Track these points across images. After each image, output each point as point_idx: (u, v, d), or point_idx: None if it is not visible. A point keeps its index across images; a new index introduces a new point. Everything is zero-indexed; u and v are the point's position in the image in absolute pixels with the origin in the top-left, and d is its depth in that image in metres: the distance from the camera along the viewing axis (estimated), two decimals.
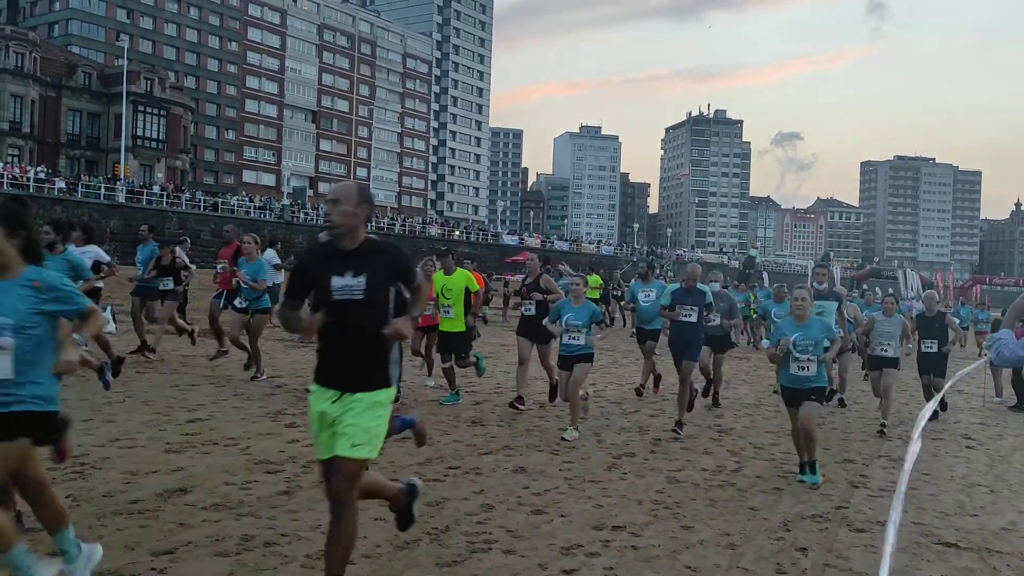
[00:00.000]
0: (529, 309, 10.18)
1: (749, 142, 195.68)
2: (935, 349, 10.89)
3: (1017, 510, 6.57)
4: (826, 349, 7.18)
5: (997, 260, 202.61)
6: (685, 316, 9.16)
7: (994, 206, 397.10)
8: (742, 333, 19.49)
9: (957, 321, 14.11)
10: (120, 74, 61.94)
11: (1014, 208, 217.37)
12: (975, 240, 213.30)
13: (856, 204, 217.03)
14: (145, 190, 53.47)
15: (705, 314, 9.49)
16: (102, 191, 49.40)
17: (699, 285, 9.38)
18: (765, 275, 64.89)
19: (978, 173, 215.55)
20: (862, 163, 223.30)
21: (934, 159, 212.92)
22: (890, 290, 12.04)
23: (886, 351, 10.10)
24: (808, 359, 7.06)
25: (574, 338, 8.54)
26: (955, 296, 73.24)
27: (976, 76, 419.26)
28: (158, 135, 67.80)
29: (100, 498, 5.36)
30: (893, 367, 10.07)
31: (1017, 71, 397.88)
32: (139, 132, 66.27)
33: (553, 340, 9.38)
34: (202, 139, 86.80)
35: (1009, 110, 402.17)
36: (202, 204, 55.05)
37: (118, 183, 52.11)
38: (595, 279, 23.06)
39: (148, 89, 67.77)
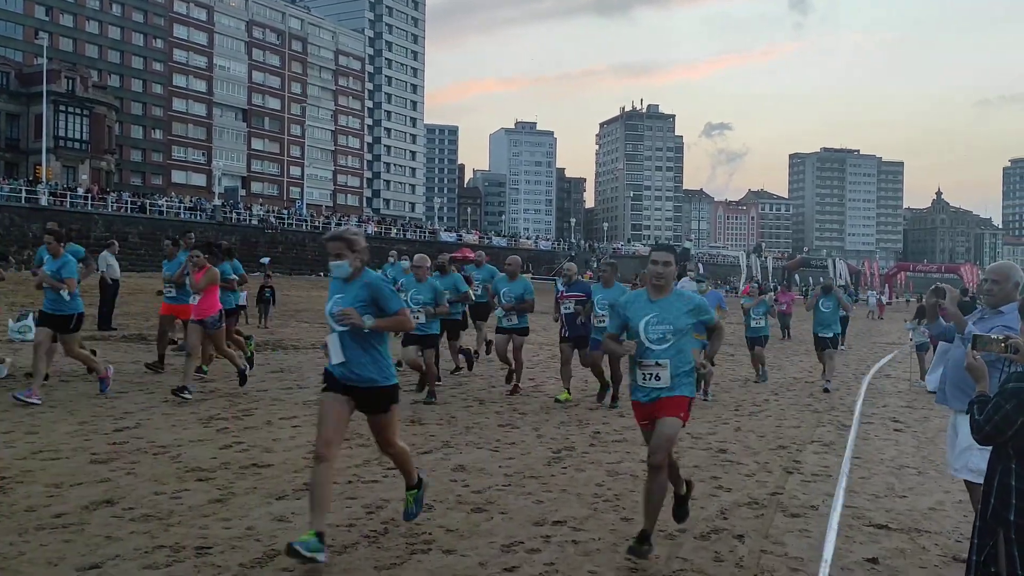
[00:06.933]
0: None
1: (682, 136, 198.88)
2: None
3: (944, 490, 6.76)
4: None
5: (920, 247, 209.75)
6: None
7: (916, 196, 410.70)
8: None
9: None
10: (40, 73, 59.85)
11: (935, 197, 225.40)
12: (899, 228, 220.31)
13: (786, 195, 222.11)
14: (69, 192, 51.84)
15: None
16: (23, 194, 47.74)
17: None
18: (700, 267, 65.94)
19: (900, 164, 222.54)
20: (790, 155, 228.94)
21: (859, 150, 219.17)
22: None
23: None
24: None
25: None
26: (881, 283, 75.43)
27: (897, 70, 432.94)
28: (81, 135, 65.77)
29: (22, 513, 5.14)
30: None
31: (935, 65, 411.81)
32: (61, 133, 64.21)
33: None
34: (128, 139, 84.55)
35: (928, 102, 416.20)
36: (129, 206, 53.60)
37: (40, 186, 50.44)
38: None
39: (70, 88, 65.67)
